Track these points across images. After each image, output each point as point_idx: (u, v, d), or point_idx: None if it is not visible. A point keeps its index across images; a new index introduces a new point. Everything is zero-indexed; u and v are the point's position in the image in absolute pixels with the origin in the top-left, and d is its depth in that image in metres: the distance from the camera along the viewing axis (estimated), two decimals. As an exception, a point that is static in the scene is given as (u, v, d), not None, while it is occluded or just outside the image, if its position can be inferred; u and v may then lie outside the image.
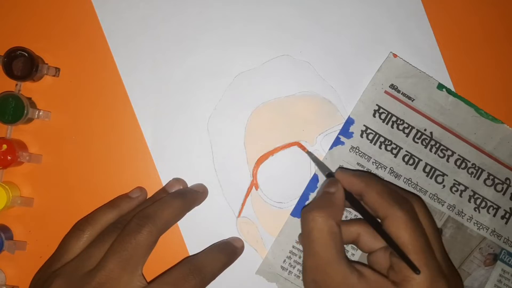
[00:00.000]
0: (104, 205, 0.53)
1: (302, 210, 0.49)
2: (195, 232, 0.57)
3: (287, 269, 0.57)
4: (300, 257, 0.57)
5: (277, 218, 0.57)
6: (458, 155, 0.58)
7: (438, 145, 0.58)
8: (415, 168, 0.58)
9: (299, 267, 0.57)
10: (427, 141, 0.58)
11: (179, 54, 0.57)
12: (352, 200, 0.50)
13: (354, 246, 0.57)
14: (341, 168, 0.56)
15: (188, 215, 0.53)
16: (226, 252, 0.53)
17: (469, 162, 0.58)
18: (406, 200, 0.48)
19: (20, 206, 0.55)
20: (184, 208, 0.52)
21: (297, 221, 0.57)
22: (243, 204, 0.57)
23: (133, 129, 0.57)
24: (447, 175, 0.58)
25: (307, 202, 0.57)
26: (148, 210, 0.49)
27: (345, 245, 0.52)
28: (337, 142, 0.57)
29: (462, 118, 0.58)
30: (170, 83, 0.57)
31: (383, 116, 0.57)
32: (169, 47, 0.57)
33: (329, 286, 0.45)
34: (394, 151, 0.57)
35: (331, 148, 0.57)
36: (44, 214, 0.57)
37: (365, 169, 0.57)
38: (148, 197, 0.55)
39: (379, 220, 0.49)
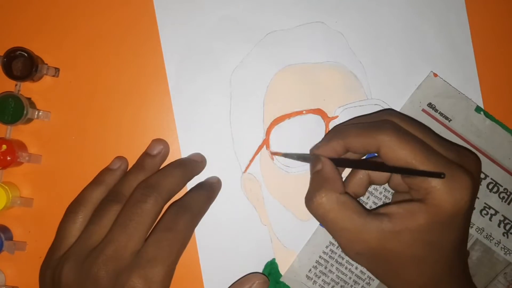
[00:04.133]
0: (90, 183, 0.53)
1: (305, 201, 0.49)
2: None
3: (312, 279, 0.56)
4: (325, 268, 0.56)
5: (281, 181, 0.57)
6: (491, 178, 0.57)
7: (471, 167, 0.58)
8: (445, 188, 0.57)
9: (324, 277, 0.56)
10: (460, 162, 0.58)
11: (216, 1, 0.58)
12: (342, 162, 0.50)
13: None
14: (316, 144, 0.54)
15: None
16: (205, 187, 0.54)
17: (501, 186, 0.57)
18: (384, 121, 0.48)
19: (20, 206, 0.55)
20: (185, 177, 0.53)
21: (324, 231, 0.55)
22: (251, 161, 0.57)
23: (139, 122, 0.58)
24: (478, 198, 0.57)
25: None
26: (151, 180, 0.49)
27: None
28: (371, 156, 0.56)
29: (498, 142, 0.57)
30: (202, 28, 0.57)
31: (418, 134, 0.58)
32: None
33: (371, 247, 0.45)
34: (426, 170, 0.57)
35: (364, 160, 0.58)
36: (43, 214, 0.56)
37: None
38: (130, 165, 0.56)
39: (376, 155, 0.48)
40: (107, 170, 0.55)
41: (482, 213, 0.57)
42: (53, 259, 0.48)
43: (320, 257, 0.56)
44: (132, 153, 0.56)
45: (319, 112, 0.58)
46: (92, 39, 0.57)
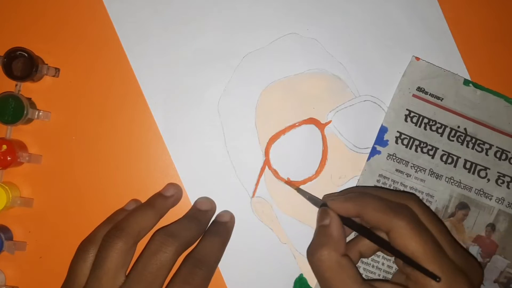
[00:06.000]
0: (103, 222, 0.53)
1: (306, 252, 0.49)
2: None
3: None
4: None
5: (290, 196, 0.57)
6: (497, 147, 0.57)
7: (474, 140, 0.57)
8: (455, 166, 0.56)
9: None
10: (462, 137, 0.57)
11: (186, 38, 0.57)
12: (351, 223, 0.50)
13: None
14: (329, 195, 0.55)
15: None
16: (219, 232, 0.53)
17: (509, 152, 0.57)
18: (403, 206, 0.47)
19: (20, 206, 0.55)
20: (200, 230, 0.52)
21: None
22: (256, 184, 0.57)
23: (139, 122, 0.57)
24: (489, 169, 0.56)
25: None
26: (172, 229, 0.49)
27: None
28: (373, 152, 0.57)
29: (493, 110, 0.57)
30: (178, 67, 0.57)
31: (414, 120, 0.57)
32: (175, 31, 0.57)
33: None
34: (431, 152, 0.57)
35: (368, 159, 0.57)
36: (44, 214, 0.56)
37: (404, 174, 0.57)
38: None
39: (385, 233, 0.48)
40: (121, 210, 0.54)
41: (498, 183, 0.57)
42: None
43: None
44: (132, 154, 0.57)
45: (312, 121, 0.58)
46: (92, 39, 0.57)
